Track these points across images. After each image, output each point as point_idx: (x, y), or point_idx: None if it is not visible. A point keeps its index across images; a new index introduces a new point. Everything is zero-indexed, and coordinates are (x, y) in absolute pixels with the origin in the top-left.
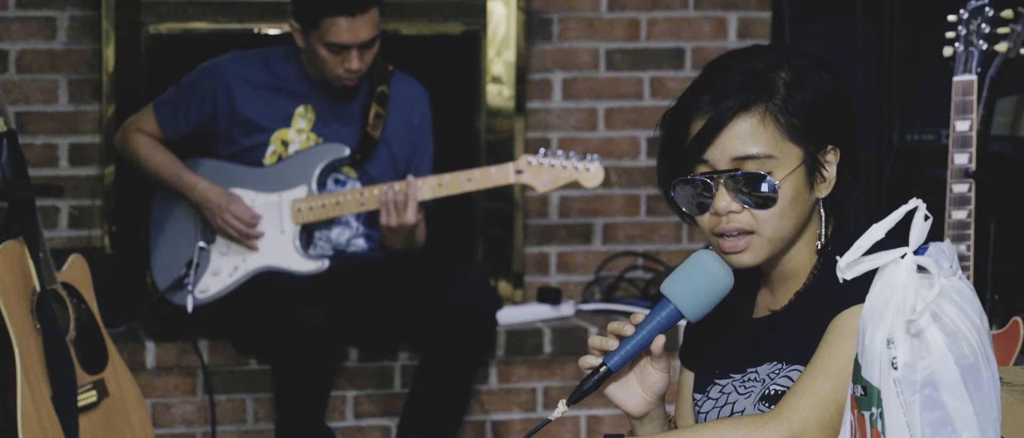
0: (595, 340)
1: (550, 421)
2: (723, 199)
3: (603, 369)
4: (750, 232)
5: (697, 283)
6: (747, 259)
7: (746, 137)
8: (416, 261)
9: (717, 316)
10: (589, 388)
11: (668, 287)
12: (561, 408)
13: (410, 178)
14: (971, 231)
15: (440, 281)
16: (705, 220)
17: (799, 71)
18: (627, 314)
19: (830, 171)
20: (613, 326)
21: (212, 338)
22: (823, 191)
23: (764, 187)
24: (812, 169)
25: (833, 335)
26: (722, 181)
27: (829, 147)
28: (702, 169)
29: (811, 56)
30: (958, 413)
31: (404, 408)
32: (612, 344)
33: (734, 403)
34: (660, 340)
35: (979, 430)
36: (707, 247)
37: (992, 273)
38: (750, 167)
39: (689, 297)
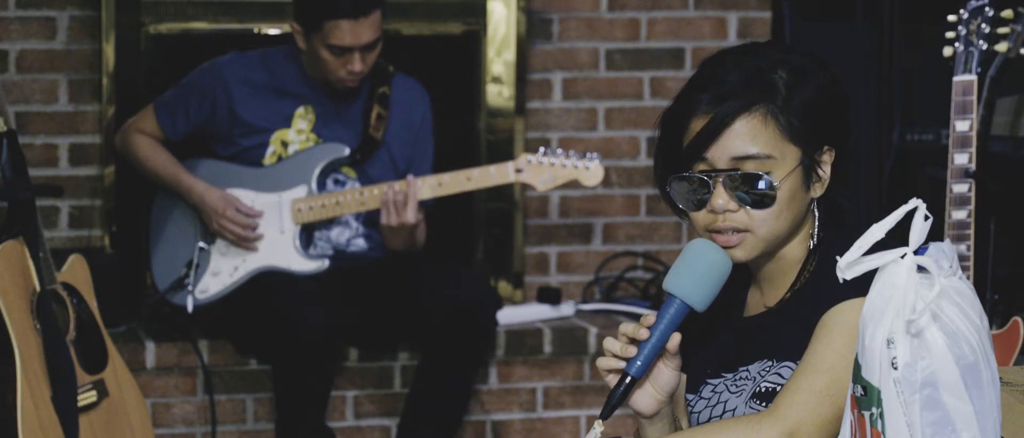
0: (614, 345)
1: None
2: (721, 197)
3: (628, 379)
4: (744, 231)
5: (699, 273)
6: (739, 255)
7: (747, 137)
8: (416, 261)
9: (707, 316)
10: (619, 400)
11: (671, 283)
12: (598, 428)
13: (410, 178)
14: (971, 231)
15: (440, 281)
16: (700, 217)
17: (799, 70)
18: (627, 314)
19: (825, 171)
20: (625, 328)
21: (212, 338)
22: (818, 191)
23: (762, 186)
24: (809, 169)
25: (824, 331)
26: (720, 180)
27: (825, 147)
28: (701, 167)
29: (809, 54)
30: (958, 413)
31: (404, 408)
32: (631, 351)
33: (726, 402)
34: (676, 338)
35: (979, 430)
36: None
37: (992, 273)
38: (749, 167)
39: (693, 288)
